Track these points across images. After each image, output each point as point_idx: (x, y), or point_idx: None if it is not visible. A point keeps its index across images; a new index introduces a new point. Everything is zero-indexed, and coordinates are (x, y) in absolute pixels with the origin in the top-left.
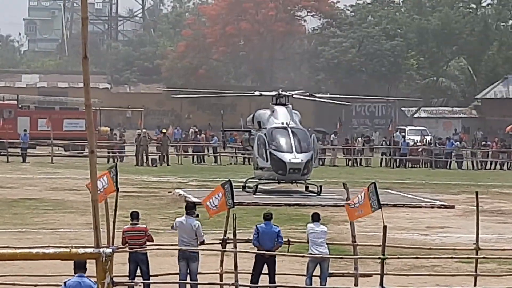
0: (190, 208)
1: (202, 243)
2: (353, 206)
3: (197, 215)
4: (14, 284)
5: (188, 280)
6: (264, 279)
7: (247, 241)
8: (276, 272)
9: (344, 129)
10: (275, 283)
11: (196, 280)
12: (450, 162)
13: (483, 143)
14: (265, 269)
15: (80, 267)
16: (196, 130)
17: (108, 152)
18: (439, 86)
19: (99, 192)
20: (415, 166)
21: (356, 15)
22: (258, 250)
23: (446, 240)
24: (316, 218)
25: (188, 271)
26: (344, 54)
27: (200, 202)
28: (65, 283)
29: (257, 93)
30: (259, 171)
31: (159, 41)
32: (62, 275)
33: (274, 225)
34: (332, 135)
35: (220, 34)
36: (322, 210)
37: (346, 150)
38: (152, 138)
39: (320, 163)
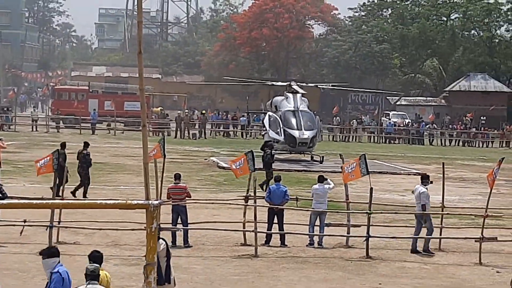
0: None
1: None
2: (347, 171)
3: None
4: (83, 228)
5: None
6: (276, 227)
7: (264, 197)
8: (285, 222)
9: (342, 112)
10: (283, 230)
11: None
12: (423, 139)
13: (449, 126)
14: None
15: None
16: (231, 115)
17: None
18: (416, 81)
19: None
20: (395, 142)
21: (353, 24)
22: (270, 205)
23: None
24: (321, 179)
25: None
26: (343, 54)
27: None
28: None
29: (280, 83)
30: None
31: (200, 42)
32: (121, 222)
33: (283, 185)
34: (334, 117)
35: (246, 38)
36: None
37: (342, 129)
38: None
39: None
